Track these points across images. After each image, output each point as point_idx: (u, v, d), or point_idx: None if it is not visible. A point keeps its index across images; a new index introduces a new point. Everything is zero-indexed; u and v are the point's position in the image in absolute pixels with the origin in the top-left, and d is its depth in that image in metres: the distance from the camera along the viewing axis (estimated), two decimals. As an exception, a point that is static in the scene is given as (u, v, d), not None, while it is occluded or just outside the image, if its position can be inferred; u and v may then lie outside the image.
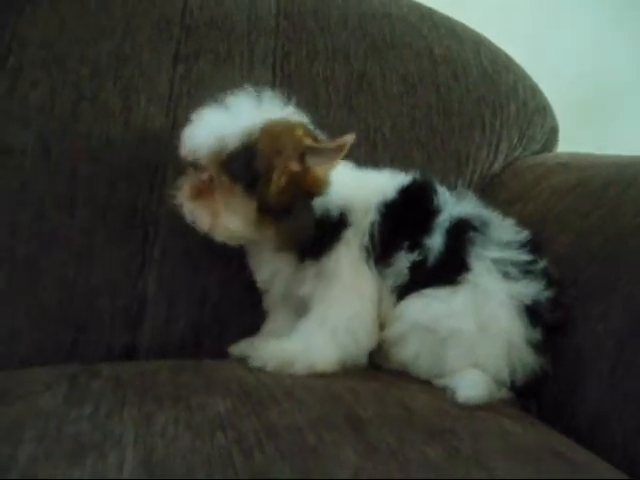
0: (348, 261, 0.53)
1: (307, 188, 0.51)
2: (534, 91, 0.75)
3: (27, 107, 0.61)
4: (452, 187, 0.68)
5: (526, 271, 0.51)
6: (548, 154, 0.75)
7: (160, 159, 0.63)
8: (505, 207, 0.65)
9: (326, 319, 0.52)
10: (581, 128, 0.97)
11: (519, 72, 0.75)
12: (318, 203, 0.52)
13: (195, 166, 0.54)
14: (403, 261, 0.52)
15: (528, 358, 0.50)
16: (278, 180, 0.49)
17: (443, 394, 0.48)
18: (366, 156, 0.66)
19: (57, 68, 0.62)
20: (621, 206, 0.53)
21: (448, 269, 0.51)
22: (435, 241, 0.52)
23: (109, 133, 0.62)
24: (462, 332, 0.50)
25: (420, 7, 0.77)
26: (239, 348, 0.57)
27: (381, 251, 0.53)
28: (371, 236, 0.53)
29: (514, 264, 0.51)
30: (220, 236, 0.54)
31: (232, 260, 0.64)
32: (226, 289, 0.64)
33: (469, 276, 0.51)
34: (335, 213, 0.53)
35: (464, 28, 0.76)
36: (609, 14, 1.03)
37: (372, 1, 0.74)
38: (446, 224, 0.52)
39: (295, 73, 0.69)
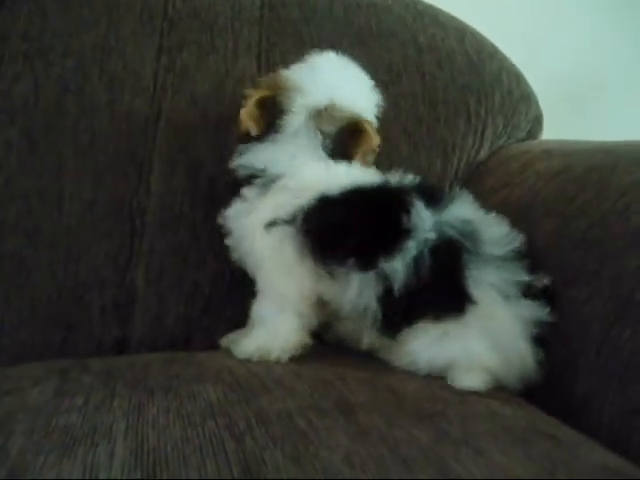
0: (243, 219, 0.53)
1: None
2: (518, 79, 0.75)
3: (11, 101, 0.60)
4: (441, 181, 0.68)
5: (525, 289, 0.49)
6: (533, 142, 0.76)
7: (146, 152, 0.63)
8: (491, 194, 0.66)
9: (267, 297, 0.53)
10: (574, 118, 0.98)
11: (503, 60, 0.76)
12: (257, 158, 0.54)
13: None
14: (357, 287, 0.48)
15: (533, 371, 0.49)
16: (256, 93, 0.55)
17: (433, 380, 0.48)
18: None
19: (40, 61, 0.62)
20: (605, 190, 0.53)
21: (444, 297, 0.48)
22: (399, 267, 0.47)
23: (94, 126, 0.62)
24: (479, 362, 0.48)
25: (405, -4, 0.77)
26: (228, 340, 0.58)
27: (313, 246, 0.50)
28: (293, 216, 0.50)
29: (512, 284, 0.49)
30: None
31: (222, 252, 0.64)
32: (216, 282, 0.64)
33: (474, 307, 0.48)
34: (244, 172, 0.54)
35: (448, 17, 0.76)
36: (605, 10, 1.04)
37: (357, -10, 0.74)
38: (421, 247, 0.47)
39: (281, 64, 0.68)
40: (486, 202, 0.59)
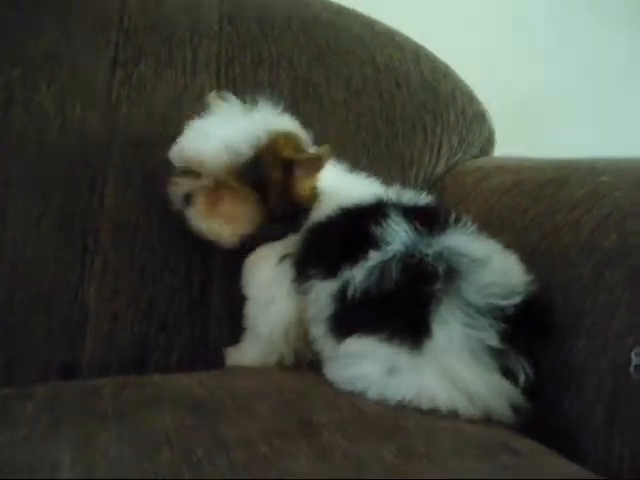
0: (261, 263, 0.55)
1: (296, 200, 0.53)
2: (471, 99, 0.78)
3: (-49, 111, 0.57)
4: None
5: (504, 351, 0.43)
6: (487, 158, 0.79)
7: (99, 166, 0.61)
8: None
9: (252, 328, 0.56)
10: (516, 132, 1.02)
11: (457, 81, 0.78)
12: None
13: (184, 173, 0.55)
14: (317, 292, 0.49)
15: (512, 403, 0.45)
16: (275, 189, 0.52)
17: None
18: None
19: (-16, 69, 0.59)
20: (556, 204, 0.55)
21: (401, 317, 0.44)
22: (359, 274, 0.46)
23: (44, 138, 0.59)
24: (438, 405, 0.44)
25: (362, 17, 0.78)
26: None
27: (296, 273, 0.52)
28: (295, 252, 0.53)
29: (477, 345, 0.43)
30: (231, 243, 0.55)
31: (179, 268, 0.62)
32: (173, 299, 0.61)
33: (430, 343, 0.43)
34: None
35: (404, 37, 0.78)
36: (558, 29, 1.09)
37: (315, 8, 0.75)
38: (386, 258, 0.45)
39: (240, 79, 0.68)
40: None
